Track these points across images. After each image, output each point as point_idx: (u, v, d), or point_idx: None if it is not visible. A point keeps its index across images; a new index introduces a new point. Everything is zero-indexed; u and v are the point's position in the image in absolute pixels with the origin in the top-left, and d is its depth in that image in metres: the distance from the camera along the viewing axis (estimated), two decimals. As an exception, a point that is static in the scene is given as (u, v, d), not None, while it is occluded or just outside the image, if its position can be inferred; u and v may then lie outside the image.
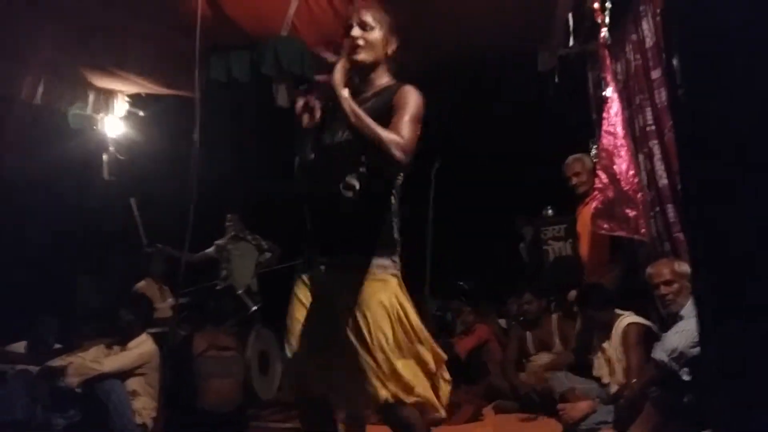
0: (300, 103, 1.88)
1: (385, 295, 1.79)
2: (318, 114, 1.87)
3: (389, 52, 1.94)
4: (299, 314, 1.88)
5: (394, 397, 1.73)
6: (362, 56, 1.88)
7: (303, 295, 1.90)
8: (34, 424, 3.39)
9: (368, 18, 1.90)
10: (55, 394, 3.45)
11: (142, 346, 3.68)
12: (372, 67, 1.92)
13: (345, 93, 1.77)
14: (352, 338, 1.75)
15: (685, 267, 2.91)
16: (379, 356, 1.73)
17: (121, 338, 3.72)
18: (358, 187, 1.82)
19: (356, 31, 1.88)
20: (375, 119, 1.77)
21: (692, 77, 1.28)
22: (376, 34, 1.90)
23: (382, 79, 1.94)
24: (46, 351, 3.87)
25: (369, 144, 1.75)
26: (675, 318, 2.84)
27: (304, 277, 1.92)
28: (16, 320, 4.16)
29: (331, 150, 1.88)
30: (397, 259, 1.87)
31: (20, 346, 3.97)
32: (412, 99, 1.83)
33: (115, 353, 3.64)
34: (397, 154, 1.73)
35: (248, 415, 3.76)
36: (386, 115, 1.80)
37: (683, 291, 2.88)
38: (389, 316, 1.78)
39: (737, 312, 1.19)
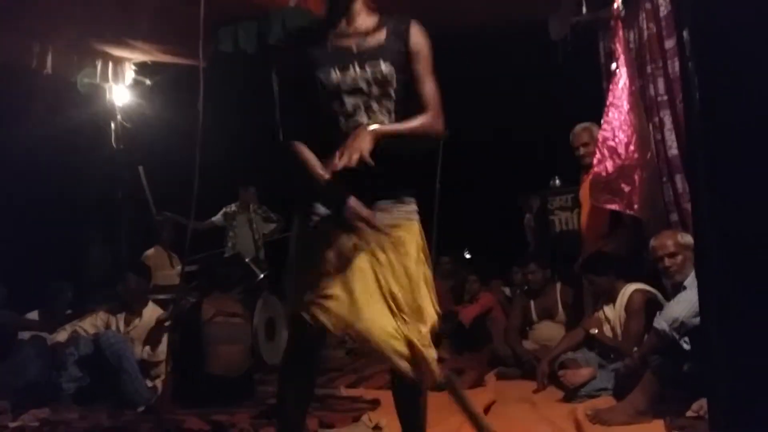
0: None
1: (416, 241, 1.75)
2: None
3: None
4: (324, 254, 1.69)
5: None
6: None
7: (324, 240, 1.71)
8: (46, 389, 3.48)
9: None
10: (67, 360, 3.53)
11: (156, 314, 3.78)
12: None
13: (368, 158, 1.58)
14: (392, 285, 1.68)
15: (688, 238, 2.93)
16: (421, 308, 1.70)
17: (125, 306, 3.81)
18: (390, 123, 1.72)
19: None
20: (396, 57, 1.73)
21: (703, 48, 1.29)
22: None
23: (365, 9, 1.80)
24: (59, 317, 3.96)
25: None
26: (678, 288, 2.87)
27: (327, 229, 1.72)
28: (29, 288, 4.23)
29: (346, 90, 1.71)
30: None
31: (35, 314, 4.06)
32: (427, 46, 1.78)
33: (126, 319, 3.74)
34: (441, 128, 1.72)
35: (255, 380, 3.85)
36: (403, 56, 1.74)
37: (687, 262, 2.89)
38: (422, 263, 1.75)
39: (739, 283, 1.22)
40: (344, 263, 1.69)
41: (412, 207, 1.80)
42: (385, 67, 1.71)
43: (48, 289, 4.09)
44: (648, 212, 3.36)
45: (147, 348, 3.64)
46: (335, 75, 1.71)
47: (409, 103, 1.76)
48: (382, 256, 1.70)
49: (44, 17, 3.96)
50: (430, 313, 1.75)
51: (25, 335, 3.87)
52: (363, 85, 1.71)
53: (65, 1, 3.77)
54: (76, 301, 4.30)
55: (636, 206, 3.30)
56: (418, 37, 1.77)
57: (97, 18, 4.05)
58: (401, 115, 1.75)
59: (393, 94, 1.74)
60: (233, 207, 5.80)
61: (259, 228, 5.69)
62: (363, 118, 1.70)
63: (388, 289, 1.69)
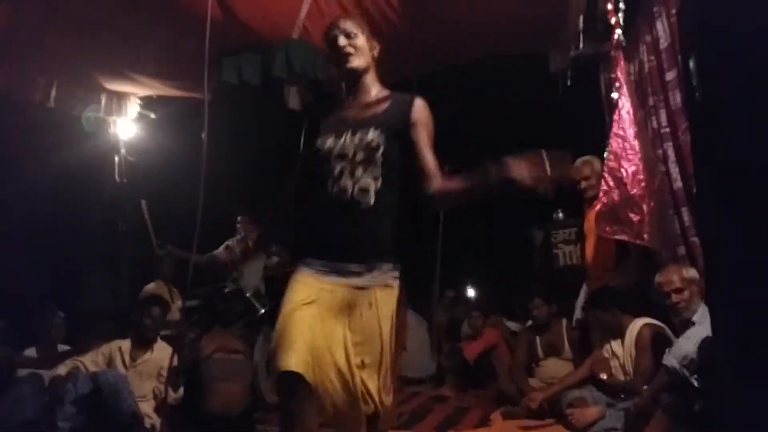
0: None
1: (391, 306, 1.83)
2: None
3: (375, 55, 1.98)
4: (303, 300, 1.79)
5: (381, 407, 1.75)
6: (355, 63, 1.91)
7: (308, 287, 1.81)
8: (42, 427, 3.40)
9: (349, 26, 1.93)
10: (65, 396, 3.46)
11: (167, 351, 3.72)
12: (364, 72, 1.95)
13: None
14: (359, 347, 1.75)
15: (693, 273, 2.90)
16: (382, 368, 1.76)
17: (138, 340, 3.75)
18: (373, 191, 1.83)
19: (342, 40, 1.91)
20: (389, 127, 1.85)
21: (708, 79, 1.27)
22: (361, 40, 1.93)
23: (376, 84, 1.98)
24: (54, 350, 3.89)
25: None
26: (687, 324, 2.81)
27: (312, 275, 1.85)
28: (26, 322, 4.17)
29: (335, 155, 1.86)
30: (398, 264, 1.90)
31: (33, 352, 4.00)
32: (430, 118, 1.91)
33: (132, 354, 3.68)
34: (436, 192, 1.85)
35: (254, 419, 3.75)
36: (404, 127, 1.87)
37: (694, 297, 2.86)
38: (392, 328, 1.82)
39: (750, 319, 1.17)
40: (317, 317, 1.76)
41: (393, 273, 1.87)
42: (372, 134, 1.84)
43: (38, 315, 4.02)
44: (660, 242, 3.30)
45: (170, 391, 3.55)
46: (330, 142, 1.87)
47: (398, 171, 1.88)
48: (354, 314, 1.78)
49: (50, 51, 4.01)
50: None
51: (22, 372, 3.80)
52: (349, 151, 1.84)
53: (71, 36, 3.81)
54: (73, 334, 4.24)
55: (646, 236, 3.23)
56: (420, 109, 1.90)
57: (102, 52, 4.09)
58: (388, 181, 1.85)
59: (379, 160, 1.84)
60: (234, 241, 5.77)
61: (261, 261, 5.63)
62: (347, 181, 1.83)
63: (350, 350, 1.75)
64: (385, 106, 1.92)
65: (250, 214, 5.77)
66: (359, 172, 1.83)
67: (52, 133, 4.88)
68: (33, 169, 4.85)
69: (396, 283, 1.86)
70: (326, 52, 1.98)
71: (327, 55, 1.99)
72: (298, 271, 1.88)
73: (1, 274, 4.49)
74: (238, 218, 5.75)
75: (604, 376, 3.25)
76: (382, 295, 1.81)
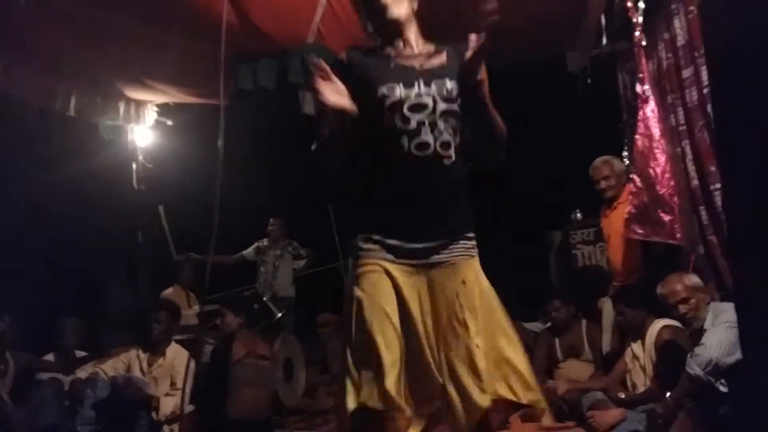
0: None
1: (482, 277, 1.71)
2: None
3: (414, 7, 1.75)
4: (388, 306, 1.60)
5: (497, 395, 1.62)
6: (396, 12, 1.68)
7: (386, 285, 1.62)
8: (61, 430, 3.44)
9: None
10: (84, 400, 3.50)
11: (179, 354, 3.74)
12: (406, 22, 1.72)
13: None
14: (472, 327, 1.61)
15: (695, 279, 2.88)
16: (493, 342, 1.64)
17: (151, 345, 3.77)
18: (454, 146, 1.65)
19: None
20: (453, 75, 1.68)
21: (729, 74, 1.25)
22: None
23: (421, 39, 1.76)
24: (71, 355, 3.93)
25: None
26: (700, 332, 2.77)
27: (387, 266, 1.63)
28: (47, 329, 4.22)
29: (409, 106, 1.63)
30: None
31: (51, 357, 4.05)
32: (484, 69, 1.69)
33: (149, 360, 3.70)
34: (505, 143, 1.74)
35: (272, 423, 3.75)
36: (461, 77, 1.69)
37: (701, 304, 2.83)
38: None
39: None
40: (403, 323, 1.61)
41: (471, 243, 1.72)
42: (450, 83, 1.66)
43: (55, 324, 4.06)
44: (691, 239, 3.23)
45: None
46: (399, 90, 1.64)
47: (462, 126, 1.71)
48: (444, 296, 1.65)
49: (68, 60, 4.06)
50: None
51: (43, 377, 3.85)
52: (429, 102, 1.64)
53: (89, 44, 3.85)
54: (94, 341, 4.28)
55: (678, 235, 3.16)
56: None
57: (119, 60, 4.13)
58: (461, 135, 1.69)
59: (458, 112, 1.68)
60: (265, 242, 5.84)
61: (282, 266, 5.72)
62: (428, 136, 1.62)
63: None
64: (444, 56, 1.72)
65: (282, 217, 5.86)
66: (441, 125, 1.63)
67: (70, 140, 4.94)
68: (51, 177, 4.91)
69: (476, 254, 1.72)
70: (357, 7, 1.77)
71: (359, 11, 1.76)
72: (367, 256, 1.65)
73: (19, 281, 4.55)
74: (271, 220, 5.83)
75: (622, 395, 3.20)
76: (472, 267, 1.68)
